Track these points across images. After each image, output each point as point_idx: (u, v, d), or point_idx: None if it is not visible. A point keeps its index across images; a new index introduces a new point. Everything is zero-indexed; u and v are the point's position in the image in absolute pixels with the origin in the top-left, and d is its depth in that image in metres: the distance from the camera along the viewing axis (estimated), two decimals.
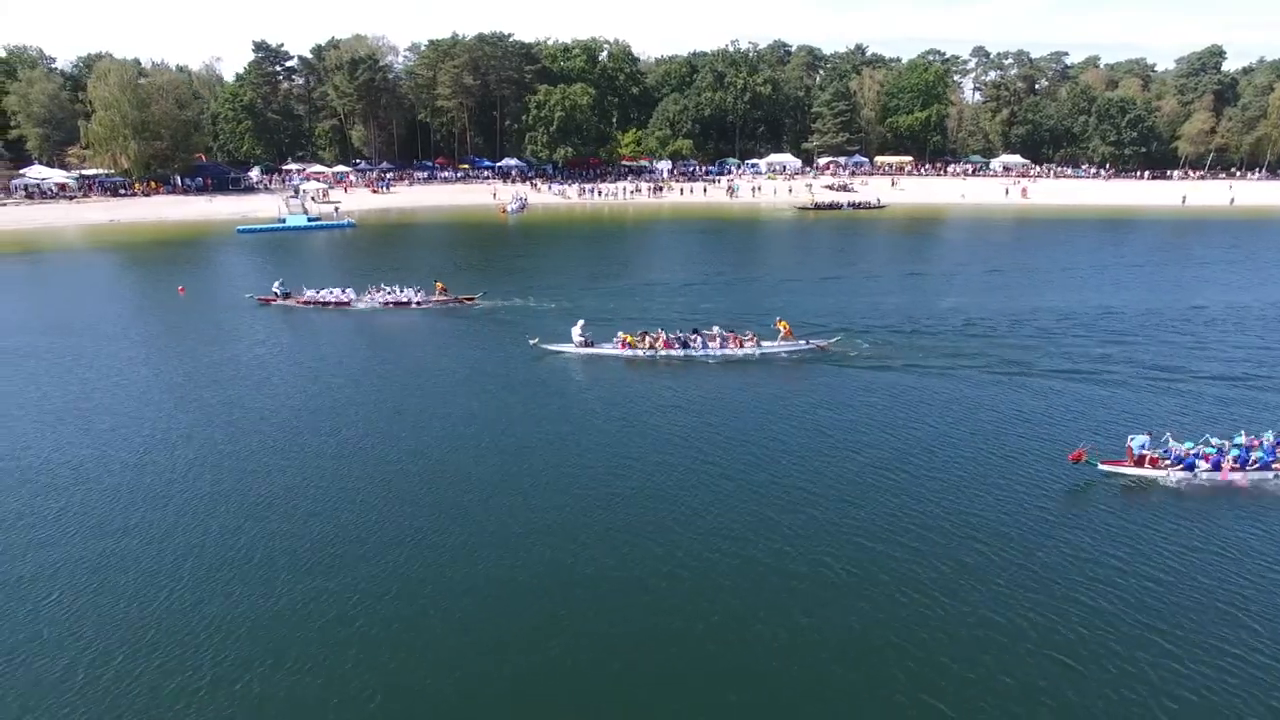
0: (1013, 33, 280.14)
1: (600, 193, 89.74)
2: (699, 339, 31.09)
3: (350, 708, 12.72)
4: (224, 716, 12.56)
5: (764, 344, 31.09)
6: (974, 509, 18.86)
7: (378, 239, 68.52)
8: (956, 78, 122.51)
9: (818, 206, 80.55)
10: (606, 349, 30.95)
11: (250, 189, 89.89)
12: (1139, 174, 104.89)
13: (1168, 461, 20.59)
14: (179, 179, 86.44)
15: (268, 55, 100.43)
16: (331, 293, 39.66)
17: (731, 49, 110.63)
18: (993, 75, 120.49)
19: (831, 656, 13.90)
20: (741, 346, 30.90)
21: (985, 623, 14.71)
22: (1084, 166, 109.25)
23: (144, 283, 48.37)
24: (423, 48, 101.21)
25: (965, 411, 25.11)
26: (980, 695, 12.98)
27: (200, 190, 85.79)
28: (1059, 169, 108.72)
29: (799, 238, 70.68)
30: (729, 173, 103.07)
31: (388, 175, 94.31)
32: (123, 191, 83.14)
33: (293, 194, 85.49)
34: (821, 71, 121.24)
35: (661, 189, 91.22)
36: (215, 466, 21.09)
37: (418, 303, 39.19)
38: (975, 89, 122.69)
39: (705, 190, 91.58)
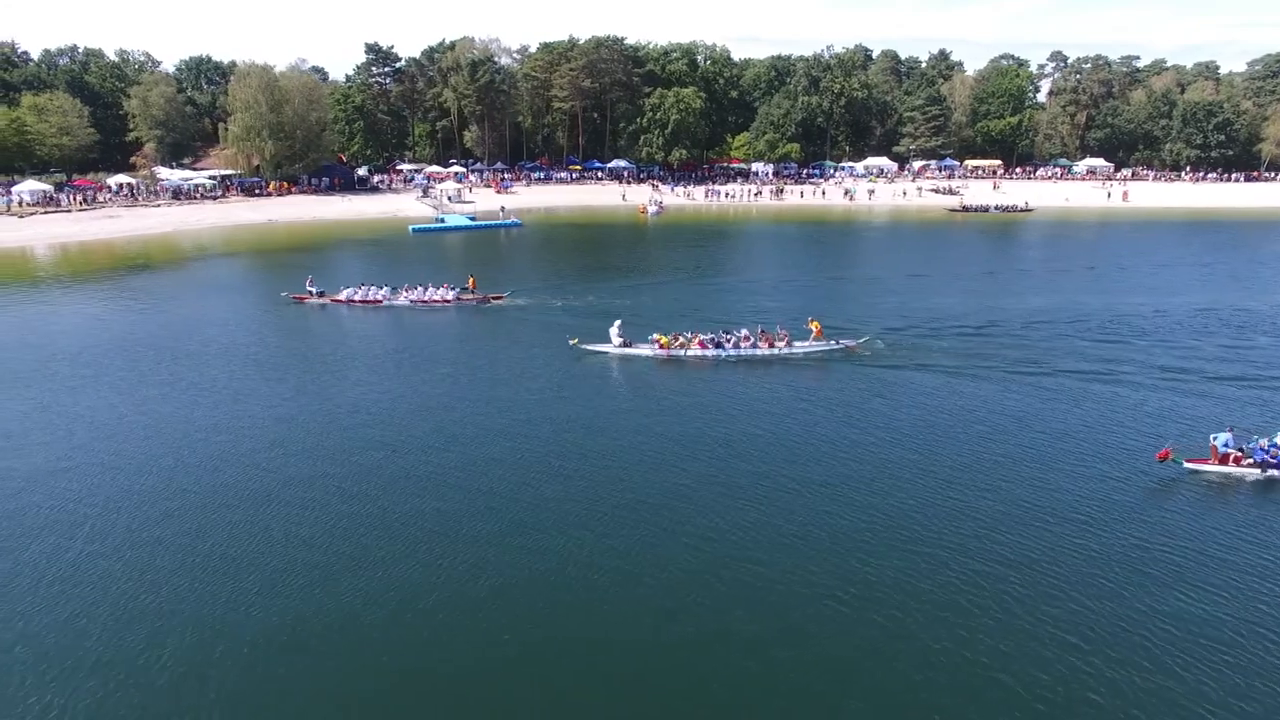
0: (1013, 33, 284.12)
1: (724, 195, 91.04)
2: (732, 339, 31.59)
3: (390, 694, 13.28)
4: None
5: (796, 344, 31.53)
6: (1064, 506, 19.19)
7: (546, 238, 69.33)
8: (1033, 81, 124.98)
9: (965, 209, 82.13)
10: (643, 349, 31.43)
11: (375, 189, 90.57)
12: (1223, 177, 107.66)
13: (1251, 460, 20.92)
14: (308, 179, 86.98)
15: (377, 57, 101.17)
16: (366, 291, 40.28)
17: (826, 54, 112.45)
18: (1072, 80, 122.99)
19: (912, 661, 13.79)
20: (772, 346, 31.39)
21: (1083, 616, 14.96)
22: (1154, 168, 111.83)
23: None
24: (532, 50, 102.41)
25: (1073, 409, 25.56)
26: (1076, 695, 13.09)
27: (330, 190, 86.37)
28: (1159, 173, 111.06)
29: (976, 240, 69.42)
30: (830, 175, 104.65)
31: (507, 176, 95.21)
32: (258, 191, 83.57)
33: (421, 194, 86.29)
34: (905, 75, 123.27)
35: (782, 191, 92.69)
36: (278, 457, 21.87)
37: (450, 300, 39.75)
38: (1052, 92, 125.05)
39: (823, 193, 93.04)
